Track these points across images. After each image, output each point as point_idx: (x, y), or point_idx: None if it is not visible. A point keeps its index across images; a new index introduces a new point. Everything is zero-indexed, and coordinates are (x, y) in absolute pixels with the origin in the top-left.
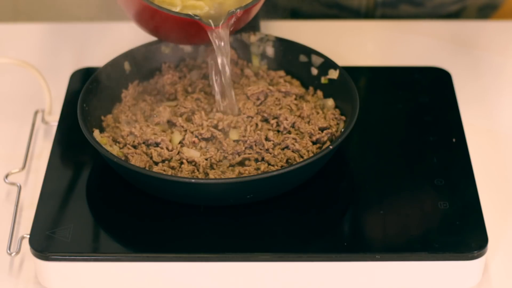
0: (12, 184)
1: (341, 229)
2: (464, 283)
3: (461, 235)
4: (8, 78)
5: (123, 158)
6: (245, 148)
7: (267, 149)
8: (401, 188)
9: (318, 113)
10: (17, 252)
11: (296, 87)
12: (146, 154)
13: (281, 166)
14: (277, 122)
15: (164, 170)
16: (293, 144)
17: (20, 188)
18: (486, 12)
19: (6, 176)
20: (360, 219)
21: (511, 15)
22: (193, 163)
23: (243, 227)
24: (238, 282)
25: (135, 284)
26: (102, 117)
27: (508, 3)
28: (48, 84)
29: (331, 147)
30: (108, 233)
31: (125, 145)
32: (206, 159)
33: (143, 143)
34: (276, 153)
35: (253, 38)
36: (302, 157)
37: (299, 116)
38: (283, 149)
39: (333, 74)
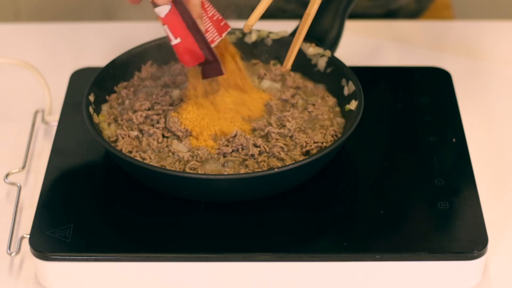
0: (12, 184)
1: (341, 229)
2: (464, 283)
3: (461, 235)
4: (8, 78)
5: (114, 138)
6: (232, 151)
7: (252, 155)
8: (401, 188)
9: (323, 126)
10: (17, 252)
11: (327, 105)
12: (138, 139)
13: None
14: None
15: (150, 158)
16: (278, 152)
17: (20, 188)
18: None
19: (6, 176)
20: (360, 219)
21: (441, 11)
22: (178, 158)
23: (242, 227)
24: (238, 282)
25: (135, 284)
26: (107, 97)
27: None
28: (48, 84)
29: (331, 147)
30: (108, 233)
31: (122, 126)
32: (192, 156)
33: (140, 131)
34: (260, 160)
35: (312, 50)
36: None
37: (307, 119)
38: (269, 157)
39: (353, 104)
